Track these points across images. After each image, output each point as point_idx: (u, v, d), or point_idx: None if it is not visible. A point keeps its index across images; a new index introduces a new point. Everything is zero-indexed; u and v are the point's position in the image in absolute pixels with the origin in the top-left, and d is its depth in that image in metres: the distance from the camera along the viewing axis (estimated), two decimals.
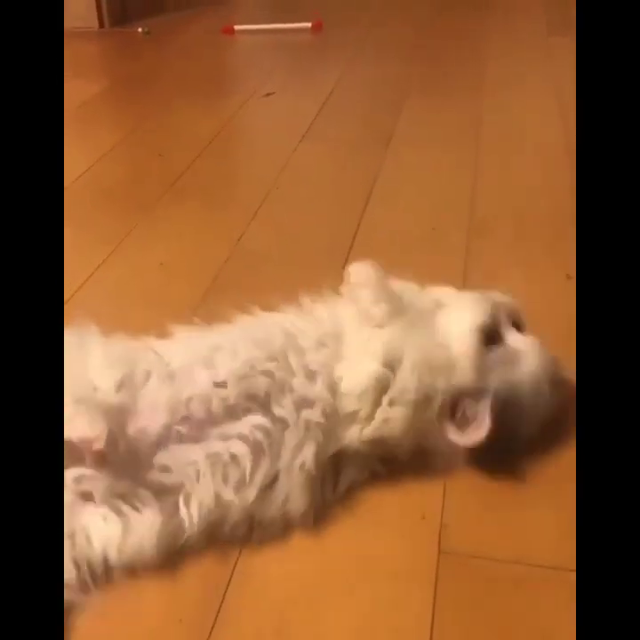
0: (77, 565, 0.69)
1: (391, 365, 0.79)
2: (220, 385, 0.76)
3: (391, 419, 0.77)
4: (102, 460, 0.69)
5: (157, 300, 1.12)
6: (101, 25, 2.52)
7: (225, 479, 0.73)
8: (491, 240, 1.29)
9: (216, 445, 0.74)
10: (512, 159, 1.59)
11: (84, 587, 0.69)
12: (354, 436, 0.78)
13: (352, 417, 0.78)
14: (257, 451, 0.74)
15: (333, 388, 0.78)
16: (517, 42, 2.34)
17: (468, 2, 2.78)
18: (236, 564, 0.74)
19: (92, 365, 0.77)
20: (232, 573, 0.74)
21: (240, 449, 0.73)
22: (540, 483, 0.82)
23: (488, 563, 0.75)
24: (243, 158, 1.67)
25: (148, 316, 1.01)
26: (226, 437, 0.74)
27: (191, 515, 0.71)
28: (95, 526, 0.69)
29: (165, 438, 0.73)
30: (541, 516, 0.79)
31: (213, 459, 0.73)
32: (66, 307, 1.10)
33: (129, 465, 0.71)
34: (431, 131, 1.73)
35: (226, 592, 0.72)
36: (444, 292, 0.93)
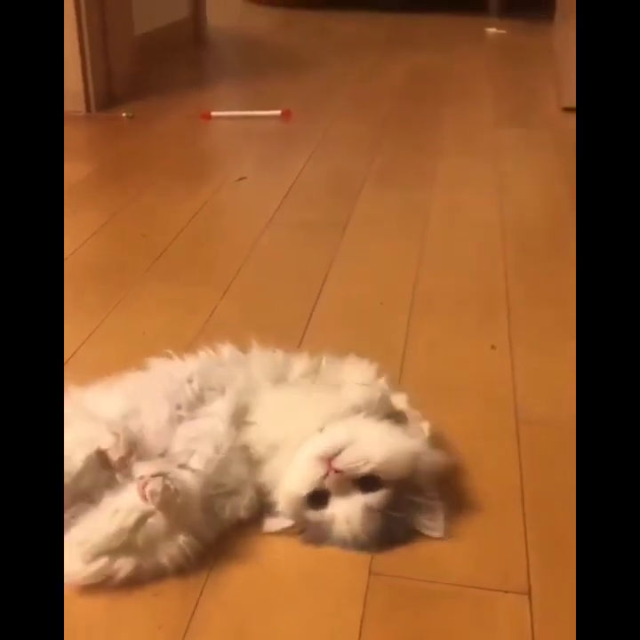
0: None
1: None
2: (190, 380, 1.08)
3: None
4: (124, 463, 0.95)
5: (141, 364, 1.29)
6: (88, 109, 2.69)
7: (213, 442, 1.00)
8: (429, 314, 1.50)
9: (203, 422, 1.02)
10: (452, 244, 1.80)
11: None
12: None
13: None
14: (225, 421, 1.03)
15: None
16: (467, 134, 2.59)
17: (425, 96, 3.05)
18: (207, 578, 0.92)
19: (95, 394, 1.07)
20: (204, 584, 0.92)
21: (215, 422, 1.02)
22: (452, 521, 1.01)
23: (409, 582, 0.93)
24: (216, 239, 1.86)
25: None
26: (206, 415, 1.04)
27: (201, 468, 0.96)
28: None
29: (173, 421, 1.03)
30: (451, 544, 0.98)
31: (204, 430, 1.01)
32: (67, 365, 1.29)
33: (156, 445, 1.00)
34: (383, 218, 1.94)
35: (199, 599, 0.90)
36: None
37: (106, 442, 0.95)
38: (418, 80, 3.26)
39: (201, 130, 2.61)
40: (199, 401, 1.06)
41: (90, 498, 0.93)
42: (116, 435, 0.96)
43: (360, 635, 0.87)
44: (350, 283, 1.62)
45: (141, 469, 0.92)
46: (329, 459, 0.96)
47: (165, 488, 0.89)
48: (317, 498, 0.97)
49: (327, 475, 0.96)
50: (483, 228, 1.89)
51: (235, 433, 1.02)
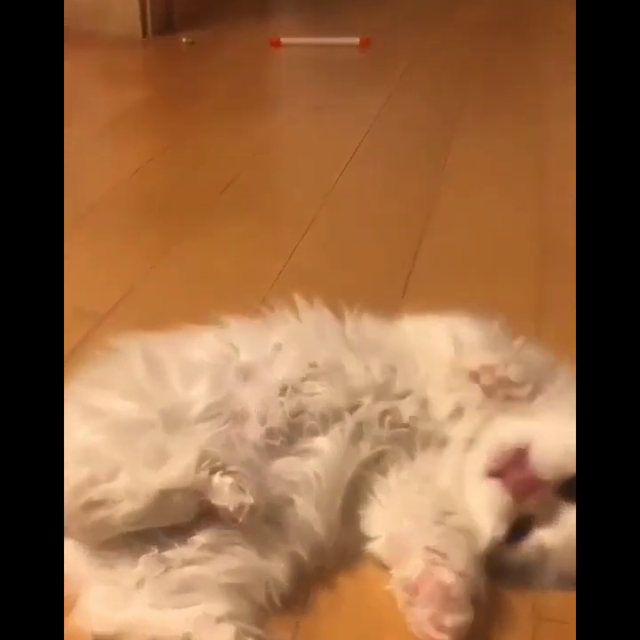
0: None
1: None
2: (284, 389, 0.78)
3: None
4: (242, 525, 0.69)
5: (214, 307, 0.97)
6: (144, 34, 2.49)
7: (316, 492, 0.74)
8: (564, 267, 1.21)
9: (303, 465, 0.75)
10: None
11: None
12: None
13: None
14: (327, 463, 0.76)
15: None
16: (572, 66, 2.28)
17: (521, 24, 2.73)
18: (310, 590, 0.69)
19: (175, 380, 0.77)
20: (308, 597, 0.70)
21: (316, 464, 0.75)
22: None
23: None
24: (290, 175, 1.65)
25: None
26: (301, 453, 0.76)
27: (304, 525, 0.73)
28: None
29: (259, 448, 0.75)
30: None
31: (302, 475, 0.74)
32: (113, 313, 1.10)
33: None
34: (489, 155, 1.67)
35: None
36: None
37: (228, 500, 0.68)
38: (510, 9, 2.92)
39: (269, 58, 2.38)
40: (294, 429, 0.76)
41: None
42: (242, 492, 0.68)
43: None
44: (459, 230, 1.36)
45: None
46: (507, 468, 0.70)
47: None
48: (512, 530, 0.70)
49: (520, 494, 0.69)
50: None
51: (343, 491, 0.75)
